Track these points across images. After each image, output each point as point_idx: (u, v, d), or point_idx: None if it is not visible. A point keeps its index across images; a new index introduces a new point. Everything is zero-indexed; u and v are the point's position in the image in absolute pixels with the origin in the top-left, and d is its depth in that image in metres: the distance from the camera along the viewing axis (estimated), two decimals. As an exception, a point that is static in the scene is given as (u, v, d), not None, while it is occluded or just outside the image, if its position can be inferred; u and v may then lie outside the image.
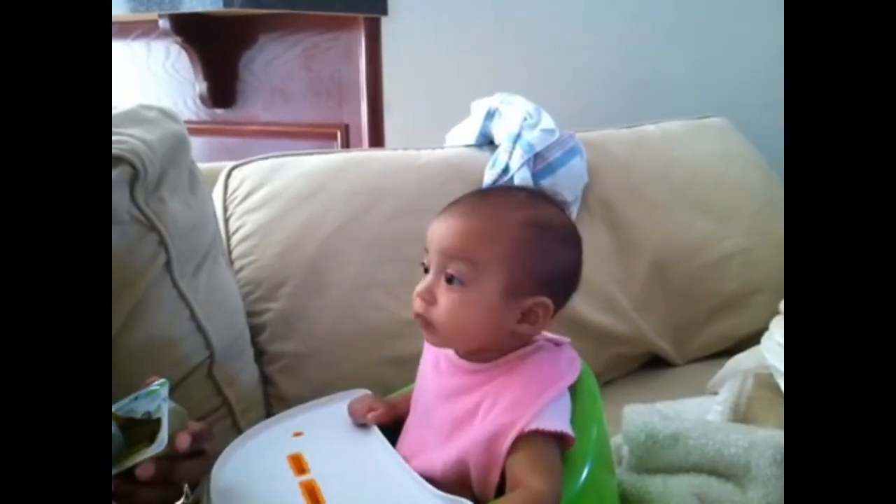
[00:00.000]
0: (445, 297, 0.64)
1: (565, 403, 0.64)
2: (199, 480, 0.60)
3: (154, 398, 0.58)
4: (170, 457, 0.56)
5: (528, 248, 0.64)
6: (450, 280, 0.63)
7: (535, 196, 0.69)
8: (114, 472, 0.55)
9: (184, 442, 0.57)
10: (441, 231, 0.65)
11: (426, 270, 0.66)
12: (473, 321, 0.64)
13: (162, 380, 0.60)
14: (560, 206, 0.70)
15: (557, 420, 0.62)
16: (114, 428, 0.57)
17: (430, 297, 0.64)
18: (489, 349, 0.65)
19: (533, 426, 0.60)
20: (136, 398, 0.59)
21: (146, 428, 0.58)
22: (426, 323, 0.65)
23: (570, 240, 0.68)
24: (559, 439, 0.62)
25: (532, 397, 0.62)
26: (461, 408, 0.64)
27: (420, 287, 0.65)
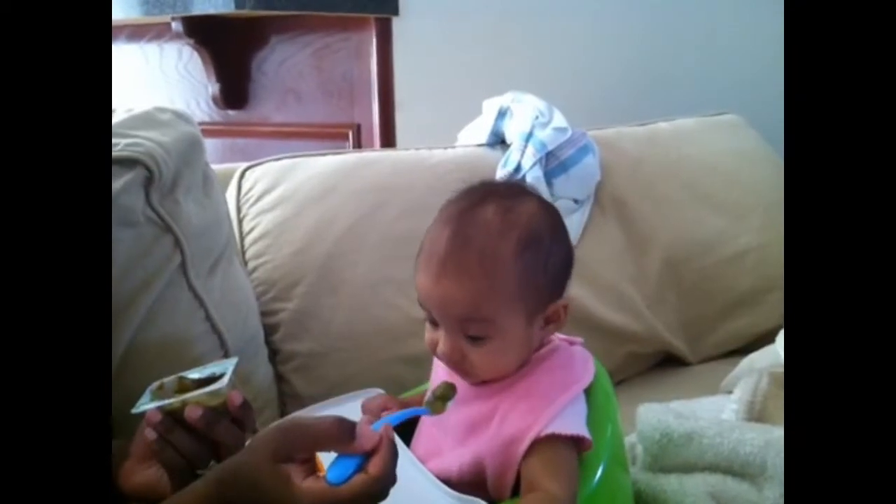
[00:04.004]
0: (475, 353, 0.62)
1: (581, 406, 0.64)
2: (227, 457, 0.61)
3: (222, 365, 0.64)
4: (218, 411, 0.60)
5: (531, 271, 0.62)
6: (473, 339, 0.62)
7: (509, 210, 0.63)
8: (168, 401, 0.60)
9: (237, 397, 0.60)
10: (438, 295, 0.61)
11: (433, 323, 0.63)
12: (508, 359, 0.64)
13: (233, 357, 0.66)
14: (528, 192, 0.66)
15: (574, 423, 0.61)
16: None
17: (459, 356, 0.63)
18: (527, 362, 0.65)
19: (549, 430, 0.60)
20: (204, 367, 0.64)
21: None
22: (463, 372, 0.64)
23: (558, 229, 0.65)
24: (576, 442, 0.62)
25: (548, 401, 0.62)
26: (477, 412, 0.64)
27: (444, 347, 0.63)
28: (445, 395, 0.62)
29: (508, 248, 0.61)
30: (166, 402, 0.60)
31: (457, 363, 0.63)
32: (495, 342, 0.62)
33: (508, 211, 0.63)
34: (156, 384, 0.63)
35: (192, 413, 0.59)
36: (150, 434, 0.59)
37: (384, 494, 0.52)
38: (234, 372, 0.62)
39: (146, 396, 0.62)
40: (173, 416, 0.60)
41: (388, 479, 0.52)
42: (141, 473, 0.61)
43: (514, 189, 0.67)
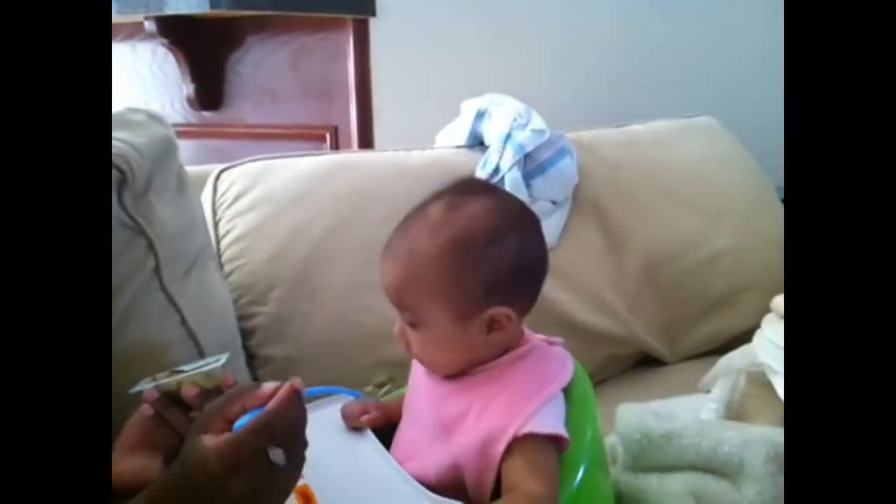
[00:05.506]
0: (412, 339, 0.65)
1: (559, 405, 0.64)
2: None
3: (213, 359, 0.66)
4: (212, 393, 0.61)
5: (454, 271, 0.62)
6: (409, 324, 0.65)
7: (453, 207, 0.64)
8: (165, 381, 0.62)
9: (231, 379, 0.62)
10: (381, 278, 0.66)
11: None
12: (442, 353, 0.65)
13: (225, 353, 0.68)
14: (486, 193, 0.66)
15: (551, 422, 0.61)
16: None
17: (404, 340, 0.66)
18: (475, 365, 0.65)
19: (527, 429, 0.60)
20: (196, 363, 0.66)
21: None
22: (410, 355, 0.68)
23: (503, 235, 0.63)
24: (554, 441, 0.61)
25: (525, 400, 0.62)
26: (450, 411, 0.64)
27: (395, 329, 0.67)
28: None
29: (434, 244, 0.63)
30: (163, 381, 0.62)
31: (405, 346, 0.66)
32: (424, 331, 0.64)
33: (452, 209, 0.64)
34: (148, 378, 0.64)
35: (189, 391, 0.61)
36: (148, 410, 0.61)
37: (283, 431, 0.52)
38: (227, 365, 0.64)
39: (142, 383, 0.64)
40: (169, 397, 0.61)
41: (285, 414, 0.52)
42: (128, 461, 0.61)
43: (473, 188, 0.67)
